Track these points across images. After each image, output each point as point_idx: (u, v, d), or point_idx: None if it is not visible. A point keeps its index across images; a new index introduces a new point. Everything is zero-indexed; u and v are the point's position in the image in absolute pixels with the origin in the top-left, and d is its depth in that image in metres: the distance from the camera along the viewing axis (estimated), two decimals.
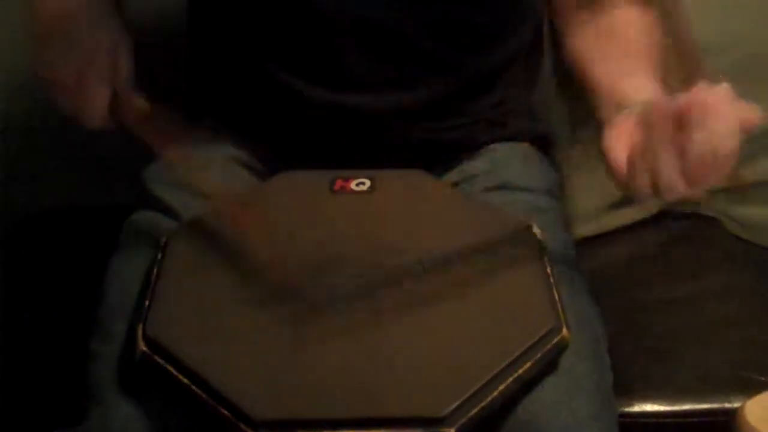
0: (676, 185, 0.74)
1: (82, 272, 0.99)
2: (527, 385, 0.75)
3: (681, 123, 0.72)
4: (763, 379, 1.00)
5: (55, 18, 0.94)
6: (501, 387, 0.72)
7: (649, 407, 1.00)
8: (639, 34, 0.96)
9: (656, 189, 0.75)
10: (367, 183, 0.93)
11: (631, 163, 0.77)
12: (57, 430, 0.84)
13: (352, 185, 0.92)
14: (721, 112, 0.71)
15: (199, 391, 0.71)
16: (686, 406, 1.00)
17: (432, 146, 1.00)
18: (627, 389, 0.98)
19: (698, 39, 1.01)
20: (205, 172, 0.94)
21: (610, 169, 0.80)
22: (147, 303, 0.79)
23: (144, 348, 0.75)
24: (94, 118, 0.92)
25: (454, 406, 0.69)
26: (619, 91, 0.89)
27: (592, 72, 0.95)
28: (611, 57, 0.94)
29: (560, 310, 0.78)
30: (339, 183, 0.93)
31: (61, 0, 0.94)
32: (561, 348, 0.77)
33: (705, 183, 0.74)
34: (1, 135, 1.20)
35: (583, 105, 1.18)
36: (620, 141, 0.79)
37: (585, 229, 1.22)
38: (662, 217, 1.26)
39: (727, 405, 0.99)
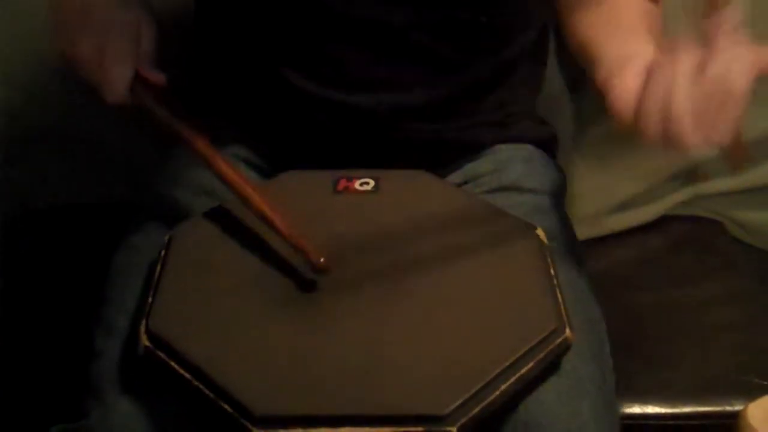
0: (686, 125, 0.73)
1: (84, 269, 0.99)
2: (529, 385, 0.75)
3: (698, 60, 0.71)
4: (765, 383, 1.00)
5: None
6: (503, 386, 0.72)
7: (651, 409, 1.00)
8: (640, 12, 0.95)
9: (666, 132, 0.74)
10: (371, 183, 0.93)
11: (641, 104, 0.76)
12: (58, 426, 0.84)
13: (356, 185, 0.92)
14: (739, 52, 0.70)
15: (201, 387, 0.71)
16: (688, 409, 1.01)
17: (436, 147, 1.00)
18: (629, 391, 0.99)
19: None
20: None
21: (617, 115, 0.79)
22: (150, 299, 0.79)
23: (147, 343, 0.75)
24: (114, 93, 0.91)
25: (456, 404, 0.69)
26: (623, 49, 0.87)
27: (595, 40, 0.93)
28: (614, 27, 0.93)
29: (563, 311, 0.78)
30: (343, 183, 0.93)
31: None
32: (564, 349, 0.77)
33: (713, 128, 0.73)
34: (3, 132, 1.20)
35: (587, 107, 1.19)
36: (628, 85, 0.78)
37: (588, 231, 1.22)
38: (665, 220, 1.26)
39: (728, 408, 0.99)
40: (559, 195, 1.01)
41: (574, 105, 1.19)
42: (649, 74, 0.75)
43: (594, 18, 0.96)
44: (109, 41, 0.90)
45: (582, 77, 1.14)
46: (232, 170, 0.89)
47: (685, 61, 0.72)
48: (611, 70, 0.83)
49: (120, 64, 0.90)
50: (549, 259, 0.83)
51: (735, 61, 0.70)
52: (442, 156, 1.01)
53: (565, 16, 1.01)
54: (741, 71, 0.70)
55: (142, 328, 0.76)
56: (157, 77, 0.93)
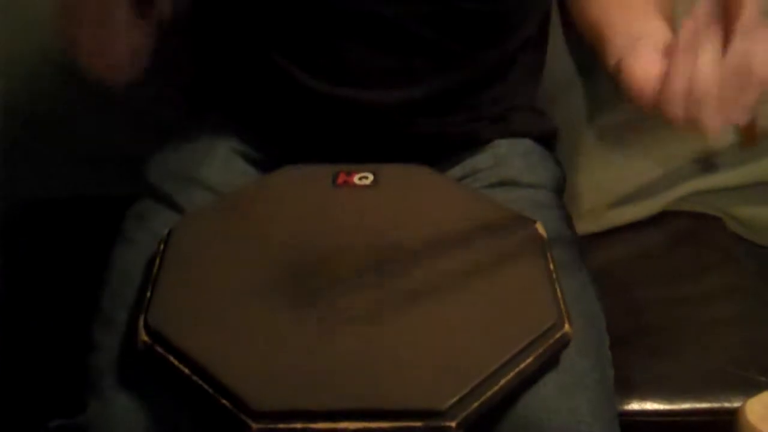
0: (709, 108, 0.72)
1: (83, 263, 0.99)
2: (528, 380, 0.75)
3: (719, 42, 0.70)
4: (764, 378, 1.00)
5: None
6: (502, 381, 0.72)
7: (650, 405, 1.00)
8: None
9: (688, 114, 0.73)
10: (370, 177, 0.93)
11: (662, 86, 0.75)
12: (56, 420, 0.83)
13: (355, 179, 0.92)
14: (760, 36, 0.70)
15: (199, 381, 0.71)
16: (687, 405, 1.00)
17: (436, 141, 1.00)
18: (628, 387, 0.98)
19: None
20: None
21: (635, 97, 0.78)
22: (149, 293, 0.79)
23: (145, 338, 0.75)
24: (118, 72, 0.90)
25: (455, 399, 0.69)
26: (634, 29, 0.87)
27: (604, 21, 0.93)
28: (623, 7, 0.92)
29: (563, 305, 0.78)
30: (342, 177, 0.93)
31: None
32: (563, 344, 0.77)
33: (734, 109, 0.72)
34: (3, 126, 1.20)
35: (587, 102, 1.19)
36: (643, 66, 0.78)
37: (588, 226, 1.22)
38: (664, 216, 1.26)
39: (727, 404, 0.99)
40: (558, 190, 1.01)
41: (581, 93, 1.18)
42: (669, 55, 0.74)
43: (604, 4, 0.95)
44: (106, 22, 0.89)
45: (589, 64, 1.14)
46: None
47: (707, 44, 0.71)
48: (623, 51, 0.83)
49: (119, 46, 0.89)
50: (548, 254, 0.83)
51: (757, 44, 0.70)
52: (441, 150, 1.01)
53: (573, 8, 1.01)
54: (763, 55, 0.70)
55: (141, 323, 0.76)
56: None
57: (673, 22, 0.88)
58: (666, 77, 0.74)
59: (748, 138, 0.78)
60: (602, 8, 0.94)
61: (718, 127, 0.74)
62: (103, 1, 0.86)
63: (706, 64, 0.71)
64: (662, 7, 0.91)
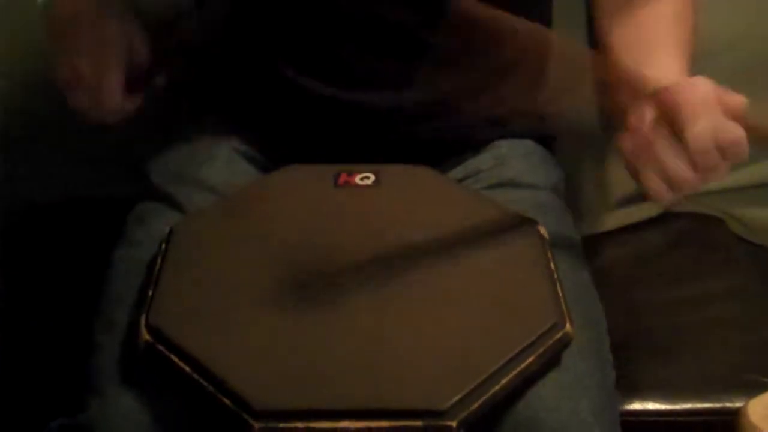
0: (687, 178, 0.74)
1: (84, 263, 0.99)
2: (530, 380, 0.75)
3: (674, 121, 0.72)
4: (765, 379, 1.00)
5: (68, 16, 0.94)
6: (503, 381, 0.72)
7: (651, 406, 1.00)
8: (669, 26, 0.96)
9: (669, 185, 0.75)
10: (372, 177, 0.93)
11: (635, 162, 0.78)
12: (57, 420, 0.83)
13: (357, 179, 0.92)
14: (711, 105, 0.71)
15: (201, 380, 0.71)
16: (688, 405, 1.00)
17: (436, 143, 1.00)
18: (629, 387, 0.98)
19: (704, 36, 1.01)
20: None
21: (626, 167, 0.81)
22: (150, 293, 0.79)
23: (147, 337, 0.75)
24: (111, 102, 0.93)
25: (455, 399, 0.69)
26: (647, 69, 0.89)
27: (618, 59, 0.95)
28: (638, 46, 0.94)
29: (564, 305, 0.78)
30: (343, 177, 0.93)
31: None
32: (564, 344, 0.77)
33: (723, 171, 0.74)
34: (4, 127, 1.20)
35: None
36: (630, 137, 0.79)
37: (589, 227, 1.22)
38: (666, 217, 1.26)
39: (729, 405, 0.98)
40: (559, 190, 1.01)
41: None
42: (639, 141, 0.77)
43: (623, 36, 0.97)
44: (104, 51, 0.92)
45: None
46: None
47: (663, 142, 0.73)
48: (625, 103, 0.84)
49: (113, 87, 0.92)
50: (549, 254, 0.83)
51: (708, 121, 0.71)
52: (442, 152, 1.01)
53: (597, 21, 1.02)
54: (723, 124, 0.71)
55: (143, 322, 0.76)
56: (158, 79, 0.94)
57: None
58: (643, 179, 0.78)
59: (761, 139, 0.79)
60: (617, 46, 0.96)
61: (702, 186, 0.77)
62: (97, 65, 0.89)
63: (671, 161, 0.73)
64: (678, 43, 0.92)
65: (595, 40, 1.04)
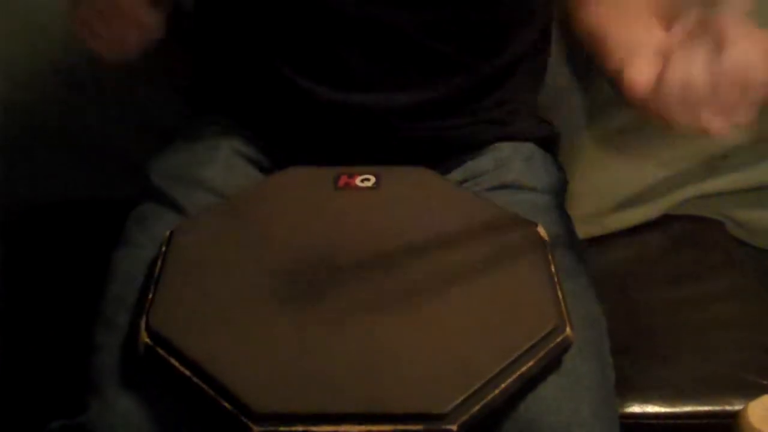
0: (708, 111, 0.72)
1: (84, 265, 0.99)
2: (530, 383, 0.75)
3: (713, 41, 0.70)
4: (765, 381, 1.00)
5: None
6: (504, 385, 0.72)
7: (651, 408, 1.00)
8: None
9: (689, 119, 0.74)
10: (372, 179, 0.92)
11: (659, 93, 0.74)
12: (57, 421, 0.83)
13: (357, 181, 0.92)
14: (753, 40, 0.70)
15: (200, 383, 0.71)
16: (688, 408, 1.01)
17: (437, 145, 1.00)
18: (629, 390, 0.99)
19: None
20: None
21: (635, 105, 0.78)
22: (150, 295, 0.79)
23: (147, 340, 0.75)
24: (124, 51, 0.91)
25: (456, 402, 0.69)
26: (631, 37, 0.87)
27: (602, 29, 0.92)
28: (619, 14, 0.92)
29: (564, 308, 0.78)
30: (344, 179, 0.93)
31: None
32: (564, 347, 0.77)
33: (736, 111, 0.73)
34: (4, 129, 1.20)
35: (588, 106, 1.19)
36: (642, 74, 0.77)
37: (589, 230, 1.22)
38: (665, 219, 1.26)
39: (728, 407, 0.99)
40: (559, 193, 1.01)
41: (582, 97, 1.18)
42: (664, 61, 0.74)
43: (600, 6, 0.95)
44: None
45: (590, 69, 1.14)
46: None
47: (699, 49, 0.71)
48: (622, 60, 0.83)
49: (126, 27, 0.90)
50: (549, 257, 0.83)
51: (750, 49, 0.70)
52: (443, 153, 1.01)
53: (572, 8, 1.01)
54: (757, 59, 0.70)
55: (142, 325, 0.76)
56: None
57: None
58: (661, 84, 0.74)
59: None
60: (600, 18, 0.94)
61: (722, 128, 0.74)
62: None
63: (698, 70, 0.71)
64: (662, 13, 0.91)
65: (579, 34, 1.03)
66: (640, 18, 0.89)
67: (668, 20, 0.84)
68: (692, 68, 0.72)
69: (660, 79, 0.74)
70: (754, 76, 0.70)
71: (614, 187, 1.23)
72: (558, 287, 0.80)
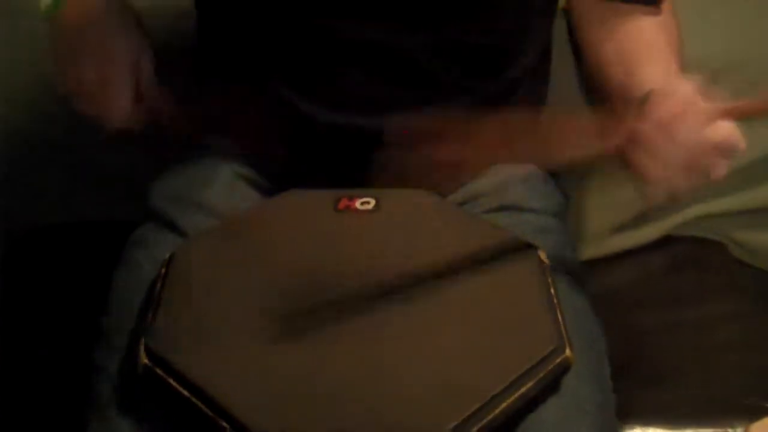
0: (671, 182, 0.74)
1: (85, 287, 0.99)
2: (529, 404, 0.75)
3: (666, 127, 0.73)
4: (766, 404, 1.00)
5: (75, 27, 0.94)
6: (503, 406, 0.71)
7: (652, 431, 1.00)
8: (654, 36, 0.97)
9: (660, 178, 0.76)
10: (372, 202, 0.93)
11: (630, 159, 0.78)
12: None
13: (357, 204, 0.92)
14: (692, 113, 0.72)
15: (200, 405, 0.71)
16: (689, 430, 1.00)
17: (436, 167, 1.00)
18: (629, 412, 0.98)
19: (703, 62, 1.01)
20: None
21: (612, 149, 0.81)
22: (150, 317, 0.79)
23: (146, 361, 0.75)
24: (117, 119, 0.92)
25: (455, 424, 0.69)
26: (632, 83, 0.89)
27: (608, 74, 0.96)
28: (626, 57, 0.95)
29: (564, 330, 0.78)
30: (344, 201, 0.93)
31: (81, 9, 0.95)
32: (564, 368, 0.76)
33: (704, 174, 0.74)
34: (4, 150, 1.21)
35: None
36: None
37: (590, 251, 1.22)
38: (666, 241, 1.26)
39: (730, 430, 0.98)
40: (559, 215, 1.01)
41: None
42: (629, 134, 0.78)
43: (610, 50, 0.98)
44: (111, 68, 0.92)
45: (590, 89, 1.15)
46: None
47: (681, 127, 0.74)
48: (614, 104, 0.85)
49: (121, 94, 0.92)
50: (549, 279, 0.83)
51: (696, 122, 0.72)
52: (442, 176, 1.01)
53: (581, 38, 1.02)
54: (706, 129, 0.72)
55: (142, 346, 0.76)
56: (164, 101, 0.94)
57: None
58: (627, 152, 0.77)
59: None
60: (603, 59, 0.97)
61: (690, 190, 0.79)
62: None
63: (656, 150, 0.75)
64: (665, 52, 0.93)
65: (581, 54, 1.04)
66: (649, 61, 0.91)
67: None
68: (649, 148, 0.74)
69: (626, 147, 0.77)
70: (714, 147, 0.72)
71: (615, 208, 1.23)
72: (558, 309, 0.80)
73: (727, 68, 1.15)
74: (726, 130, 0.75)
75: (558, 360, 0.75)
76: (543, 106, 1.10)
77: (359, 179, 0.96)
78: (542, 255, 0.86)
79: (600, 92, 0.98)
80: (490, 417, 0.70)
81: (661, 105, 0.78)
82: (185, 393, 0.72)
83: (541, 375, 0.74)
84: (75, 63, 0.92)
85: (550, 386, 0.76)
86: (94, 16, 0.95)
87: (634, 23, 0.98)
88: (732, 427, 0.99)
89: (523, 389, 0.73)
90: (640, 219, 1.24)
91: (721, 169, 0.77)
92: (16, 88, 1.17)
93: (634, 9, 0.97)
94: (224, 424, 0.70)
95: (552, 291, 0.82)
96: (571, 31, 1.09)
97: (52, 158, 1.22)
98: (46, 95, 1.13)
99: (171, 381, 0.73)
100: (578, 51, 1.08)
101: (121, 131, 0.93)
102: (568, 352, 0.76)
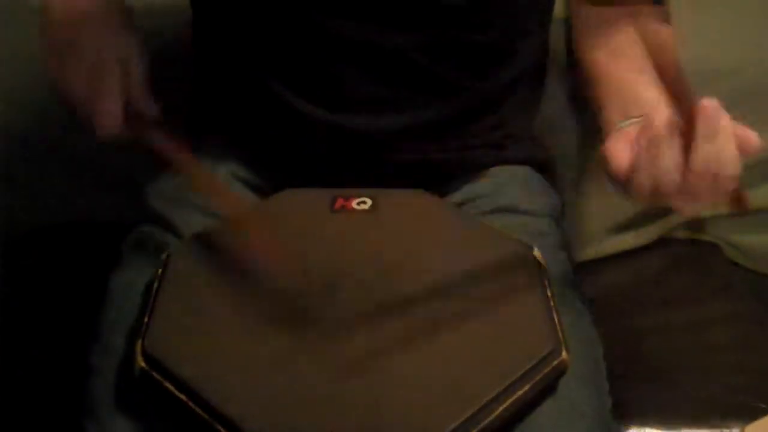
0: (675, 197, 0.73)
1: (82, 288, 0.99)
2: (525, 408, 0.75)
3: (687, 134, 0.71)
4: (762, 405, 1.00)
5: (65, 26, 0.93)
6: (499, 409, 0.71)
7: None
8: (648, 51, 0.97)
9: (655, 196, 0.75)
10: (369, 202, 0.92)
11: (632, 168, 0.76)
12: None
13: (353, 204, 0.92)
14: (729, 133, 0.71)
15: (196, 408, 0.71)
16: (684, 431, 1.00)
17: (433, 168, 1.00)
18: (626, 414, 0.98)
19: (700, 66, 1.01)
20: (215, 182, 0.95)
21: (609, 173, 0.79)
22: (146, 319, 0.79)
23: (142, 364, 0.75)
24: (106, 126, 0.90)
25: (451, 427, 0.69)
26: (629, 95, 0.89)
27: (604, 81, 0.95)
28: (622, 71, 0.94)
29: (560, 333, 0.78)
30: (340, 201, 0.92)
31: (72, 8, 0.94)
32: (560, 371, 0.76)
33: (703, 200, 0.74)
34: (3, 152, 1.20)
35: (585, 130, 1.20)
36: (622, 146, 0.78)
37: (586, 253, 1.22)
38: (663, 243, 1.26)
39: (726, 431, 0.98)
40: (556, 217, 1.01)
41: (578, 121, 1.19)
42: (637, 148, 0.76)
43: (603, 60, 0.97)
44: (101, 73, 0.90)
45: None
46: (229, 197, 0.90)
47: (668, 149, 0.73)
48: (614, 123, 0.84)
49: (110, 99, 0.90)
50: (545, 281, 0.83)
51: (721, 146, 0.71)
52: (440, 177, 1.01)
53: (578, 44, 1.02)
54: (732, 154, 0.71)
55: (138, 349, 0.76)
56: (150, 109, 0.93)
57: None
58: (633, 174, 0.76)
59: (737, 206, 0.79)
60: (597, 67, 0.97)
61: (692, 210, 0.76)
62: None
63: (667, 168, 0.72)
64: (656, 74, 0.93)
65: (576, 56, 1.04)
66: (645, 81, 0.90)
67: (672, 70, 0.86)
68: (660, 167, 0.73)
69: (633, 166, 0.76)
70: (725, 172, 0.71)
71: (610, 210, 1.23)
72: (554, 311, 0.80)
73: (732, 69, 1.15)
74: (709, 154, 0.74)
75: (554, 363, 0.75)
76: (539, 107, 1.10)
77: (356, 178, 0.96)
78: (538, 256, 0.86)
79: (593, 98, 0.97)
80: (486, 420, 0.70)
81: (641, 131, 0.77)
82: (181, 396, 0.72)
83: (538, 378, 0.74)
84: (63, 64, 0.91)
85: (547, 389, 0.76)
86: (83, 13, 0.93)
87: (623, 34, 0.97)
88: (728, 427, 0.99)
89: (519, 392, 0.73)
90: (637, 221, 1.24)
91: (716, 193, 0.74)
92: (16, 88, 1.17)
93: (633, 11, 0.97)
94: (220, 427, 0.69)
95: (548, 293, 0.82)
96: (570, 41, 1.08)
97: (52, 158, 1.22)
98: (46, 95, 1.12)
99: (167, 384, 0.73)
100: (573, 61, 1.08)
101: (115, 136, 0.91)
102: (564, 355, 0.76)
